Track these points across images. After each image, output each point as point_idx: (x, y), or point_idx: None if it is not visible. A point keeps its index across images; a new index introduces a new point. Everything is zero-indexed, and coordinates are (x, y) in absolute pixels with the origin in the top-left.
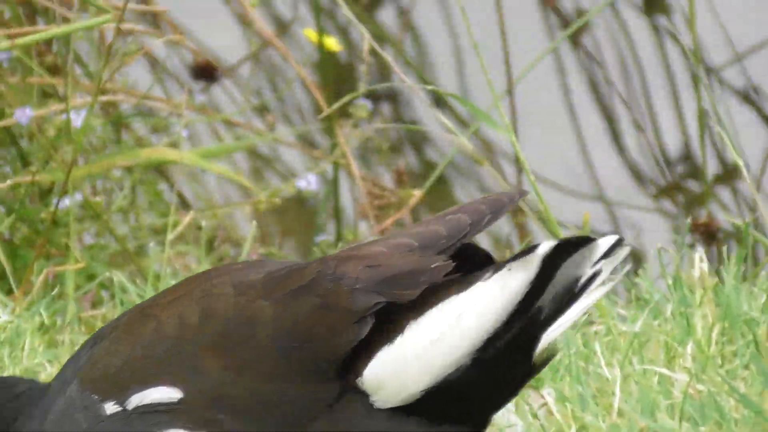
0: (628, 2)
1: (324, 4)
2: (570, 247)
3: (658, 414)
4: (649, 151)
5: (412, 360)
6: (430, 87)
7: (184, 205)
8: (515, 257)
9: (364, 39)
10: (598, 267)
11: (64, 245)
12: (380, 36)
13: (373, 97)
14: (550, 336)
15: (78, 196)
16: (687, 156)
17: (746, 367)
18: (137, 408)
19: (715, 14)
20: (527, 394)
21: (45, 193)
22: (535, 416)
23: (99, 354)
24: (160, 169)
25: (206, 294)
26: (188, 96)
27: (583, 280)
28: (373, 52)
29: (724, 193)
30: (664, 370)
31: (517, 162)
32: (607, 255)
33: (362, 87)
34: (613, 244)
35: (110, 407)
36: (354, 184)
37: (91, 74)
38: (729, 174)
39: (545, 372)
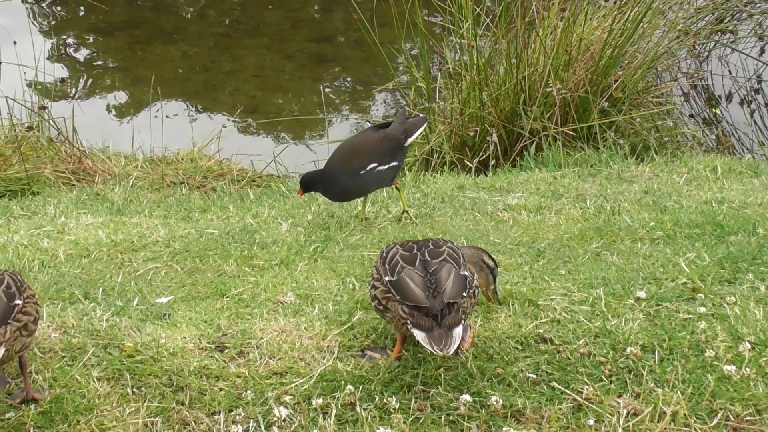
0: None
1: None
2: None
3: None
4: None
5: (409, 138)
6: None
7: None
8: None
9: None
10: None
11: None
12: None
13: None
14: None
15: None
16: None
17: None
18: (370, 170)
19: None
20: None
21: None
22: None
23: (343, 151)
24: None
25: (365, 137)
26: None
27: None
28: None
29: None
30: None
31: None
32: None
33: None
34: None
35: (354, 171)
36: None
37: None
38: None
39: None
